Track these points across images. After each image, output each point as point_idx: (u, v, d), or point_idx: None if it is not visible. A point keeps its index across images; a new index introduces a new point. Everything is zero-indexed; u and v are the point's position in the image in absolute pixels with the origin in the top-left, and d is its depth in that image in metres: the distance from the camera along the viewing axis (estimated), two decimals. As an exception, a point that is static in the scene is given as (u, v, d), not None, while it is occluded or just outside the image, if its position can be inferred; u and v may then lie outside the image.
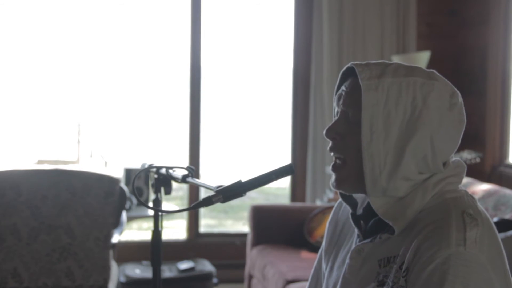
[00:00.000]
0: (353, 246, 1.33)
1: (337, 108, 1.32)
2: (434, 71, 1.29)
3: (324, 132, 1.30)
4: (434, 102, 1.23)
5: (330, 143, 1.30)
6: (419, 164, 1.24)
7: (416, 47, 4.57)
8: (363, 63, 1.28)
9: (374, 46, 4.54)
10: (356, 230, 1.34)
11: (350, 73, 1.31)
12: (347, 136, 1.28)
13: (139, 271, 4.05)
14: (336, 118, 1.31)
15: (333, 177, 1.31)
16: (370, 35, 4.54)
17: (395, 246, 1.24)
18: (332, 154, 1.31)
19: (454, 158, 1.32)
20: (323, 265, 1.47)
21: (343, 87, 1.31)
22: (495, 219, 2.62)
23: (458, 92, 1.28)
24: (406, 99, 1.23)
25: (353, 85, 1.28)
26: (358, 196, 1.39)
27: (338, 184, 1.30)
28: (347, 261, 1.32)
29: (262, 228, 3.92)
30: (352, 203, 1.38)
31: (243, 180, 1.37)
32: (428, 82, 1.24)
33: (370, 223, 1.30)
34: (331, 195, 4.28)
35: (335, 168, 1.30)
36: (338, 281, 1.34)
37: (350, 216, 1.36)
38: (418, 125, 1.22)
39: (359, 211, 1.35)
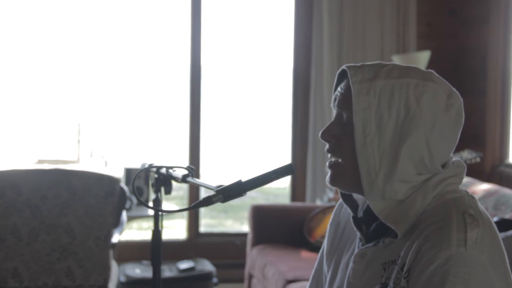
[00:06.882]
0: (356, 249, 1.32)
1: (334, 110, 1.31)
2: (432, 71, 1.28)
3: (320, 134, 1.29)
4: (428, 103, 1.22)
5: (327, 145, 1.30)
6: (416, 166, 1.23)
7: (416, 47, 4.57)
8: (358, 65, 1.27)
9: (374, 46, 4.54)
10: (358, 234, 1.34)
11: (346, 74, 1.30)
12: (342, 138, 1.27)
13: (139, 270, 4.04)
14: (332, 120, 1.31)
15: (328, 173, 1.30)
16: (370, 35, 4.53)
17: (398, 249, 1.23)
18: (329, 156, 1.30)
19: (455, 158, 1.31)
20: (325, 268, 1.46)
21: (338, 89, 1.30)
22: (495, 219, 2.62)
23: (457, 92, 1.26)
24: (399, 101, 1.21)
25: (347, 87, 1.27)
26: (359, 198, 1.38)
27: (333, 180, 1.29)
28: (351, 265, 1.31)
29: (262, 228, 3.92)
30: (353, 205, 1.37)
31: (243, 180, 1.37)
32: (422, 83, 1.23)
33: (372, 227, 1.29)
34: (331, 194, 4.28)
35: (330, 165, 1.30)
36: (342, 285, 1.34)
37: (351, 219, 1.35)
38: (412, 126, 1.21)
39: (360, 213, 1.34)
